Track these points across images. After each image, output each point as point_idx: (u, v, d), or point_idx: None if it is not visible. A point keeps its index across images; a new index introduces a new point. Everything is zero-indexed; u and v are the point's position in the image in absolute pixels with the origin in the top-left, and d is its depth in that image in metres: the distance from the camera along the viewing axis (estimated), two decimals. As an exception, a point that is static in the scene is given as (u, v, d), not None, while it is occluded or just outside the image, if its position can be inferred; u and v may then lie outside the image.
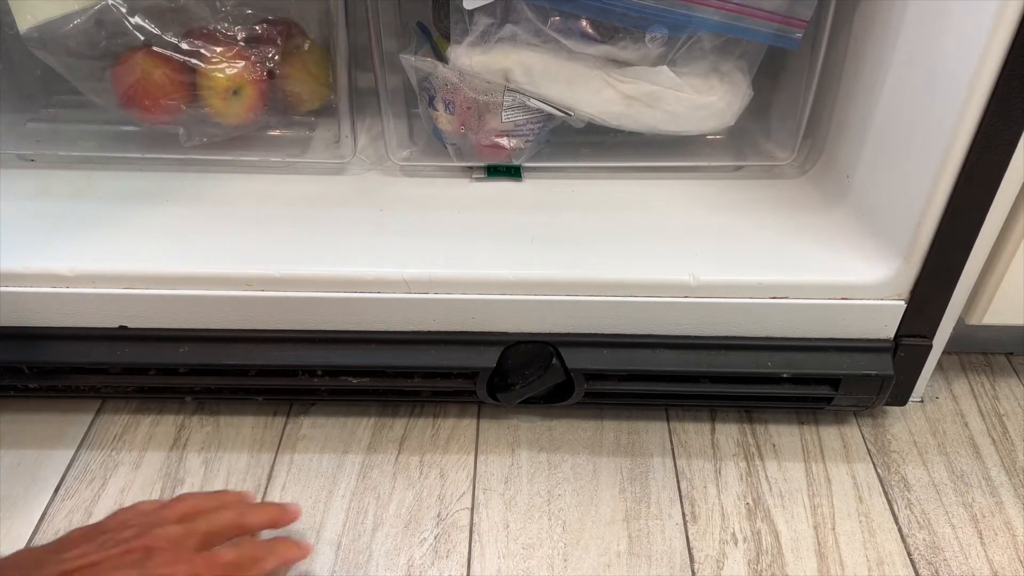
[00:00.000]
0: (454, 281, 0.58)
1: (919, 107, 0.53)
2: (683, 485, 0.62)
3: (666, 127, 0.63)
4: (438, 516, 0.60)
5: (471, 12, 0.58)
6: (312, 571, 0.56)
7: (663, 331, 0.60)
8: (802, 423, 0.67)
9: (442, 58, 0.62)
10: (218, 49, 0.63)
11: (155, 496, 0.61)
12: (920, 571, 0.57)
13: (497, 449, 0.65)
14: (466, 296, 0.58)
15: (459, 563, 0.57)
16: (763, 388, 0.62)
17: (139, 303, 0.59)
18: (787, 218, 0.63)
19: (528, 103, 0.63)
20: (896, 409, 0.69)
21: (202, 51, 0.62)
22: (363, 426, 0.67)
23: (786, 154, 0.67)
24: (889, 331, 0.60)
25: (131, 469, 0.63)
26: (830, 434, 0.67)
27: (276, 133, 0.70)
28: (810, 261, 0.59)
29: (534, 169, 0.68)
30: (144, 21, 0.61)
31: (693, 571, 0.57)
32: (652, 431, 0.66)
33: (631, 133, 0.65)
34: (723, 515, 0.60)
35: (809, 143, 0.67)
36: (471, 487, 0.62)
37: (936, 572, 0.57)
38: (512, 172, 0.68)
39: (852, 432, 0.67)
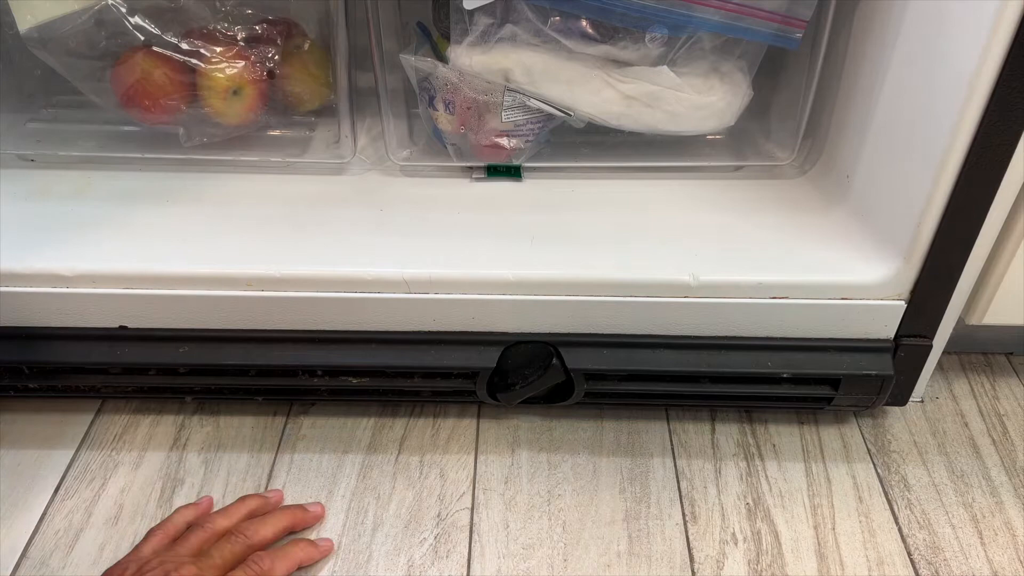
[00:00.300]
0: (454, 281, 0.58)
1: (919, 107, 0.53)
2: (683, 485, 0.62)
3: (666, 127, 0.63)
4: (438, 516, 0.60)
5: (471, 12, 0.58)
6: (312, 571, 0.56)
7: (663, 331, 0.60)
8: (802, 423, 0.67)
9: (442, 58, 0.62)
10: (218, 49, 0.63)
11: (154, 496, 0.61)
12: (920, 571, 0.57)
13: (497, 449, 0.65)
14: (466, 296, 0.58)
15: (459, 563, 0.57)
16: (763, 388, 0.62)
17: (139, 303, 0.59)
18: (787, 218, 0.63)
19: (528, 103, 0.63)
20: (896, 409, 0.69)
21: (202, 51, 0.62)
22: (363, 426, 0.67)
23: (786, 154, 0.67)
24: (889, 331, 0.60)
25: (131, 469, 0.63)
26: (830, 434, 0.67)
27: (276, 133, 0.70)
28: (810, 261, 0.59)
29: (534, 169, 0.68)
30: (144, 21, 0.61)
31: (693, 571, 0.57)
32: (652, 431, 0.66)
33: (631, 133, 0.65)
34: (723, 515, 0.60)
35: (809, 143, 0.67)
36: (471, 487, 0.62)
37: (936, 572, 0.57)
38: (512, 172, 0.68)
39: (852, 432, 0.67)
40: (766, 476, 0.63)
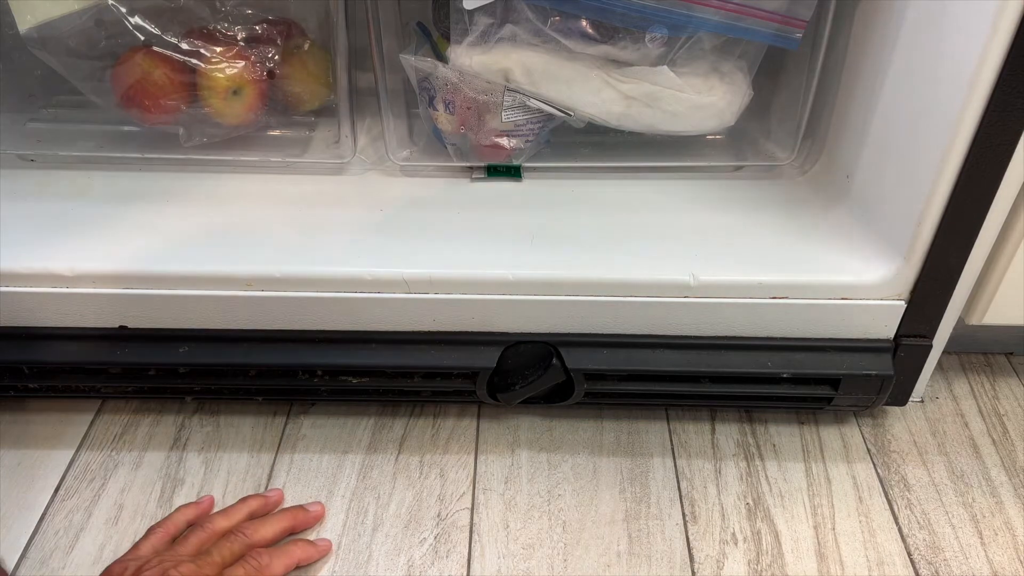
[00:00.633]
0: (454, 281, 0.58)
1: (919, 107, 0.53)
2: (683, 485, 0.62)
3: (666, 127, 0.63)
4: (438, 516, 0.60)
5: (471, 12, 0.58)
6: (312, 571, 0.56)
7: (663, 331, 0.60)
8: (802, 423, 0.67)
9: (442, 58, 0.62)
10: (218, 49, 0.63)
11: (154, 496, 0.61)
12: (920, 571, 0.57)
13: (497, 449, 0.65)
14: (466, 296, 0.58)
15: (459, 563, 0.57)
16: (763, 388, 0.62)
17: (139, 303, 0.59)
18: (787, 218, 0.63)
19: (528, 103, 0.63)
20: (896, 409, 0.69)
21: (202, 51, 0.62)
22: (363, 426, 0.67)
23: (786, 154, 0.67)
24: (889, 331, 0.60)
25: (131, 469, 0.63)
26: (830, 434, 0.67)
27: (276, 133, 0.70)
28: (810, 261, 0.59)
29: (534, 169, 0.68)
30: (144, 21, 0.61)
31: (693, 571, 0.57)
32: (652, 431, 0.66)
33: (631, 133, 0.65)
34: (723, 515, 0.60)
35: (809, 143, 0.67)
36: (471, 487, 0.62)
37: (936, 572, 0.57)
38: (512, 172, 0.68)
39: (852, 432, 0.67)
40: (766, 476, 0.63)
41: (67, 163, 0.68)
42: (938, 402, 0.70)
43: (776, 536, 0.59)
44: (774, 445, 0.65)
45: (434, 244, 0.60)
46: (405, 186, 0.67)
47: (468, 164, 0.68)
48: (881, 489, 0.62)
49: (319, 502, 0.60)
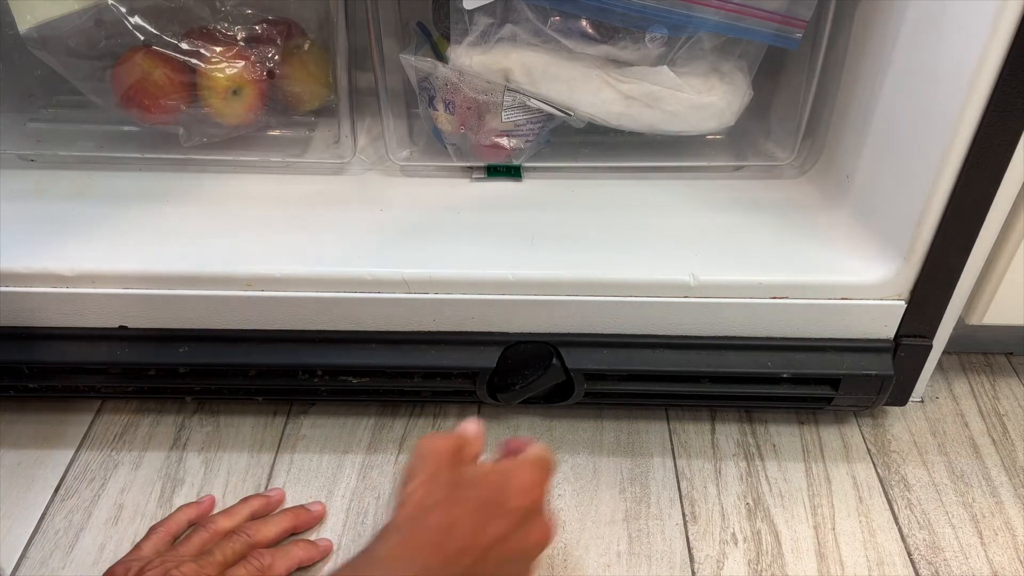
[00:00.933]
0: (454, 281, 0.58)
1: (919, 107, 0.53)
2: (683, 485, 0.62)
3: (666, 127, 0.63)
4: (438, 516, 0.60)
5: (471, 12, 0.58)
6: (312, 571, 0.56)
7: (663, 331, 0.60)
8: (802, 423, 0.67)
9: (442, 58, 0.62)
10: (218, 49, 0.63)
11: (154, 496, 0.61)
12: (920, 571, 0.57)
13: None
14: (466, 296, 0.58)
15: (459, 563, 0.57)
16: (763, 388, 0.62)
17: (139, 303, 0.59)
18: (787, 218, 0.63)
19: (528, 103, 0.63)
20: (896, 409, 0.69)
21: (202, 51, 0.62)
22: (363, 426, 0.67)
23: (786, 154, 0.67)
24: (889, 331, 0.60)
25: (131, 469, 0.63)
26: (830, 434, 0.67)
27: (276, 133, 0.70)
28: (810, 261, 0.59)
29: (534, 169, 0.68)
30: (144, 21, 0.61)
31: (693, 571, 0.57)
32: (652, 431, 0.66)
33: (631, 133, 0.65)
34: (723, 515, 0.60)
35: (809, 143, 0.67)
36: (471, 487, 0.62)
37: (936, 572, 0.57)
38: (512, 172, 0.68)
39: (852, 432, 0.67)
40: (766, 476, 0.63)
41: (67, 163, 0.68)
42: (938, 402, 0.70)
43: (776, 536, 0.59)
44: (774, 445, 0.65)
45: (434, 244, 0.60)
46: (405, 186, 0.67)
47: (468, 164, 0.68)
48: (881, 489, 0.62)
49: (320, 502, 0.60)
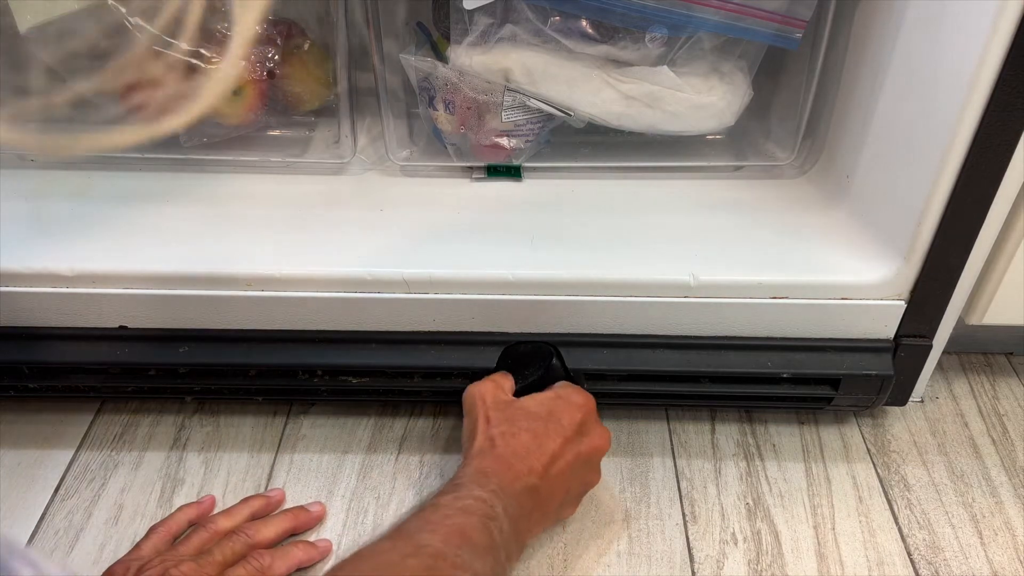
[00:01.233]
0: (454, 281, 0.58)
1: (919, 107, 0.53)
2: (683, 485, 0.62)
3: (666, 127, 0.64)
4: (438, 516, 0.60)
5: (471, 12, 0.58)
6: (312, 571, 0.56)
7: (663, 331, 0.60)
8: (802, 423, 0.67)
9: (442, 58, 0.62)
10: (218, 49, 0.62)
11: (154, 496, 0.61)
12: (920, 571, 0.57)
13: (497, 449, 0.65)
14: (466, 296, 0.58)
15: (459, 563, 0.57)
16: (763, 388, 0.62)
17: (139, 303, 0.59)
18: (787, 218, 0.63)
19: (528, 103, 0.63)
20: (896, 409, 0.69)
21: (202, 51, 0.62)
22: (363, 426, 0.67)
23: (786, 154, 0.67)
24: (889, 331, 0.60)
25: (131, 469, 0.63)
26: (830, 434, 0.67)
27: (276, 133, 0.70)
28: (810, 261, 0.59)
29: (534, 169, 0.68)
30: (144, 21, 0.61)
31: (693, 571, 0.57)
32: (652, 431, 0.66)
33: (631, 133, 0.65)
34: (723, 515, 0.60)
35: (809, 143, 0.67)
36: (471, 487, 0.62)
37: (936, 572, 0.57)
38: (512, 172, 0.68)
39: (852, 432, 0.67)
40: (766, 476, 0.63)
41: (67, 163, 0.68)
42: (938, 402, 0.70)
43: (776, 536, 0.59)
44: (774, 445, 0.65)
45: (434, 244, 0.60)
46: (405, 186, 0.67)
47: (468, 164, 0.68)
48: (881, 489, 0.62)
49: (320, 502, 0.60)
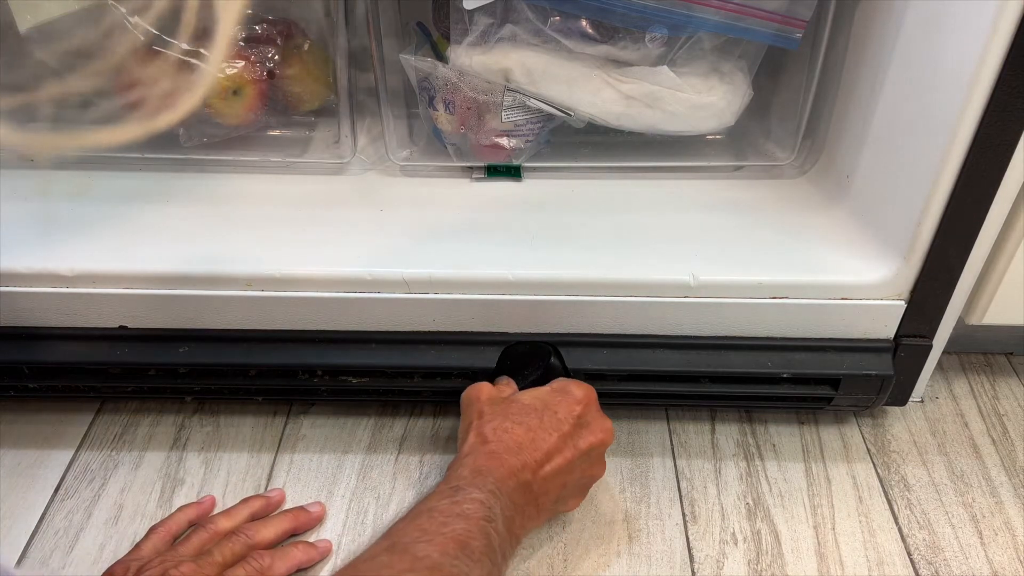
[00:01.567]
0: (454, 281, 0.58)
1: (919, 107, 0.53)
2: (683, 485, 0.62)
3: (666, 127, 0.64)
4: (438, 516, 0.60)
5: (471, 12, 0.58)
6: (311, 572, 0.56)
7: (663, 331, 0.60)
8: (802, 423, 0.67)
9: (442, 58, 0.62)
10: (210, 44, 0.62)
11: (155, 496, 0.61)
12: (920, 571, 0.57)
13: (497, 449, 0.65)
14: (466, 296, 0.58)
15: (459, 563, 0.57)
16: (763, 388, 0.62)
17: (139, 303, 0.59)
18: (787, 218, 0.63)
19: (528, 103, 0.63)
20: (896, 409, 0.69)
21: (202, 51, 0.62)
22: (363, 426, 0.67)
23: (786, 154, 0.67)
24: (889, 331, 0.60)
25: (131, 469, 0.63)
26: (830, 434, 0.67)
27: (276, 133, 0.70)
28: (810, 261, 0.59)
29: (534, 169, 0.68)
30: (144, 21, 0.61)
31: (693, 571, 0.57)
32: (652, 431, 0.67)
33: (631, 133, 0.65)
34: (723, 515, 0.60)
35: (809, 143, 0.67)
36: (471, 487, 0.62)
37: (936, 572, 0.57)
38: (512, 172, 0.68)
39: (852, 432, 0.67)
40: (766, 476, 0.63)
41: (67, 163, 0.68)
42: (938, 402, 0.70)
43: (776, 536, 0.59)
44: (774, 445, 0.65)
45: (434, 244, 0.60)
46: (405, 186, 0.67)
47: (468, 164, 0.68)
48: (881, 489, 0.62)
49: (320, 502, 0.60)
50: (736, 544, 0.58)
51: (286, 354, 0.61)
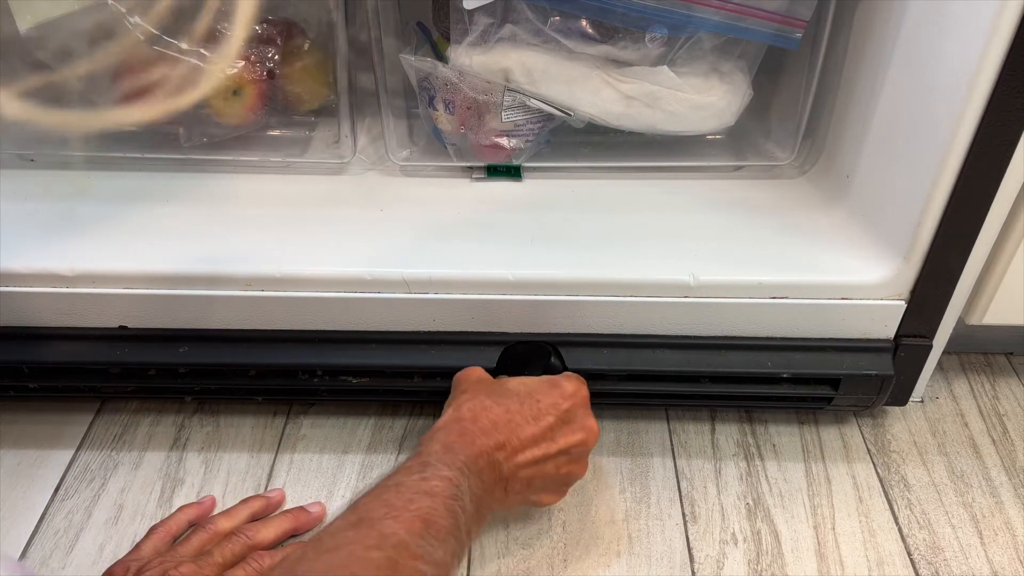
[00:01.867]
0: (454, 281, 0.58)
1: (919, 107, 0.53)
2: (683, 485, 0.62)
3: (666, 127, 0.64)
4: (438, 516, 0.60)
5: (471, 12, 0.58)
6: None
7: (663, 331, 0.60)
8: (802, 423, 0.67)
9: (442, 58, 0.62)
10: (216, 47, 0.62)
11: (155, 496, 0.61)
12: (920, 571, 0.57)
13: (497, 449, 0.65)
14: (466, 296, 0.58)
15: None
16: (763, 388, 0.62)
17: (139, 303, 0.59)
18: (787, 218, 0.63)
19: (528, 103, 0.63)
20: (896, 409, 0.69)
21: (202, 51, 0.62)
22: (363, 426, 0.67)
23: (786, 154, 0.67)
24: (889, 331, 0.60)
25: (131, 469, 0.63)
26: (830, 434, 0.67)
27: (276, 133, 0.70)
28: (810, 261, 0.59)
29: (534, 169, 0.68)
30: (144, 21, 0.61)
31: (693, 571, 0.57)
32: (652, 431, 0.66)
33: (631, 133, 0.65)
34: (723, 515, 0.60)
35: (809, 143, 0.67)
36: (471, 487, 0.62)
37: (936, 572, 0.57)
38: (512, 172, 0.68)
39: (852, 432, 0.67)
40: (766, 476, 0.63)
41: (67, 163, 0.68)
42: (938, 402, 0.70)
43: (776, 536, 0.59)
44: (774, 445, 0.65)
45: (434, 244, 0.60)
46: (405, 186, 0.67)
47: (468, 164, 0.68)
48: (881, 489, 0.62)
49: (320, 502, 0.60)
50: (736, 544, 0.58)
51: (286, 354, 0.60)
